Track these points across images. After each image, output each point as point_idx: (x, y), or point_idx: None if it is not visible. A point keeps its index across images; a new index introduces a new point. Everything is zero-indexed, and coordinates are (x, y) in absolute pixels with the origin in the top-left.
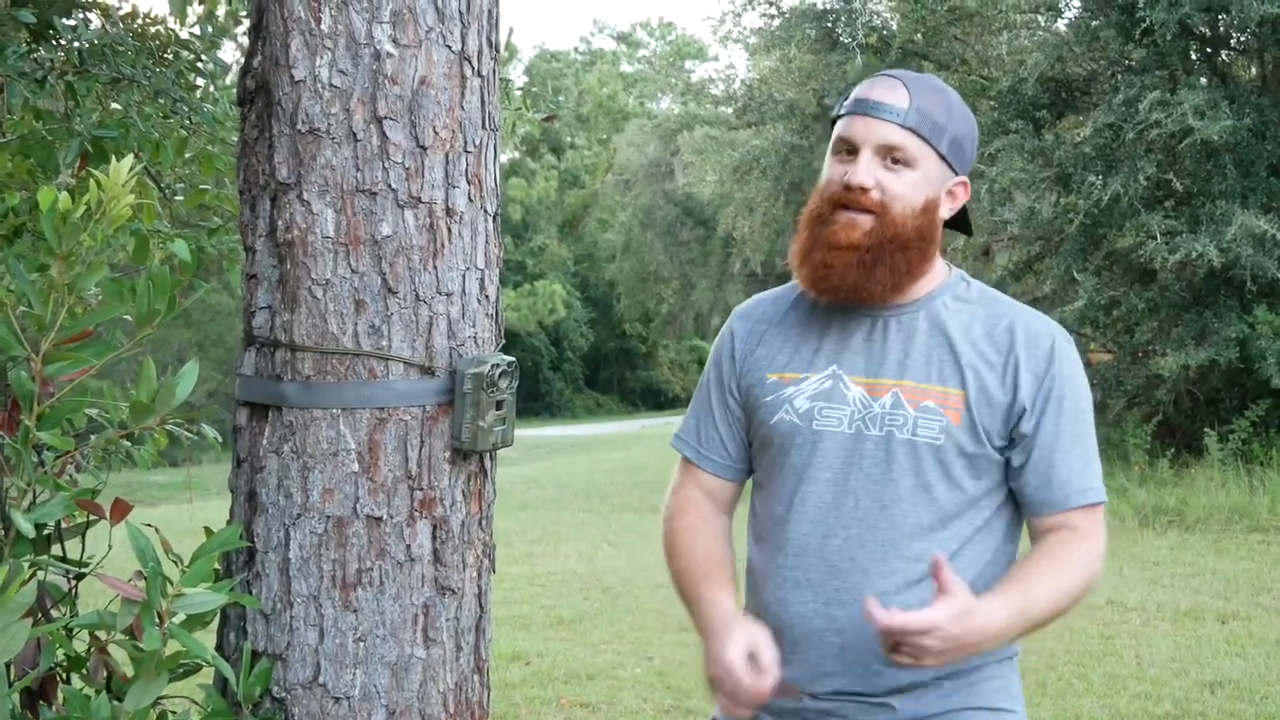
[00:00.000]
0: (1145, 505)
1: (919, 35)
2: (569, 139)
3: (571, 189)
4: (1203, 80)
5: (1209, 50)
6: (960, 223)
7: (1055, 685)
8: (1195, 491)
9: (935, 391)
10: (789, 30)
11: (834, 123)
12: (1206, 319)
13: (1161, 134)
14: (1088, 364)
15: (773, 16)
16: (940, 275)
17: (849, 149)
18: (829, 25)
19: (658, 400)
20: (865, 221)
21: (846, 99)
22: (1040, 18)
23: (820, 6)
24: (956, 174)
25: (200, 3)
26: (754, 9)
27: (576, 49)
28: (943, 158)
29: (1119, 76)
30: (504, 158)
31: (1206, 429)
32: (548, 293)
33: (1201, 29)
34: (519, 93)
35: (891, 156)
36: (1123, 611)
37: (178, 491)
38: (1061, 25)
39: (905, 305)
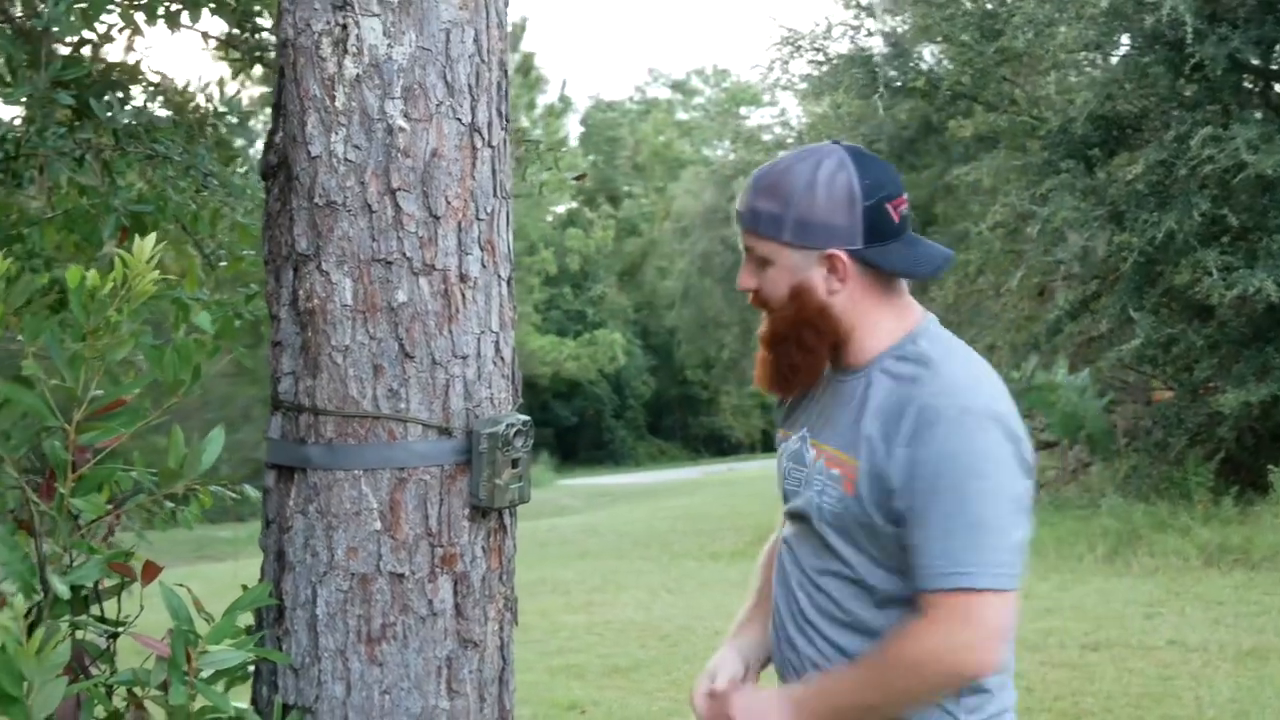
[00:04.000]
0: (1209, 544)
1: (966, 77)
2: (626, 188)
3: (629, 237)
4: (1256, 114)
5: (1262, 83)
6: (895, 264)
7: None
8: (1260, 529)
9: (841, 459)
10: (837, 76)
11: None
12: (1267, 354)
13: (1215, 169)
14: (1149, 402)
15: (821, 63)
16: (889, 336)
17: None
18: (875, 70)
19: (721, 446)
20: (768, 319)
21: None
22: (1089, 56)
23: (867, 52)
24: (820, 248)
25: (235, 79)
26: (801, 56)
27: (632, 98)
28: (790, 244)
29: (1170, 113)
30: (561, 208)
31: (1270, 465)
32: (607, 341)
33: (1253, 61)
34: (542, 149)
35: (753, 258)
36: (1184, 652)
37: (244, 545)
38: (1111, 62)
39: (855, 369)
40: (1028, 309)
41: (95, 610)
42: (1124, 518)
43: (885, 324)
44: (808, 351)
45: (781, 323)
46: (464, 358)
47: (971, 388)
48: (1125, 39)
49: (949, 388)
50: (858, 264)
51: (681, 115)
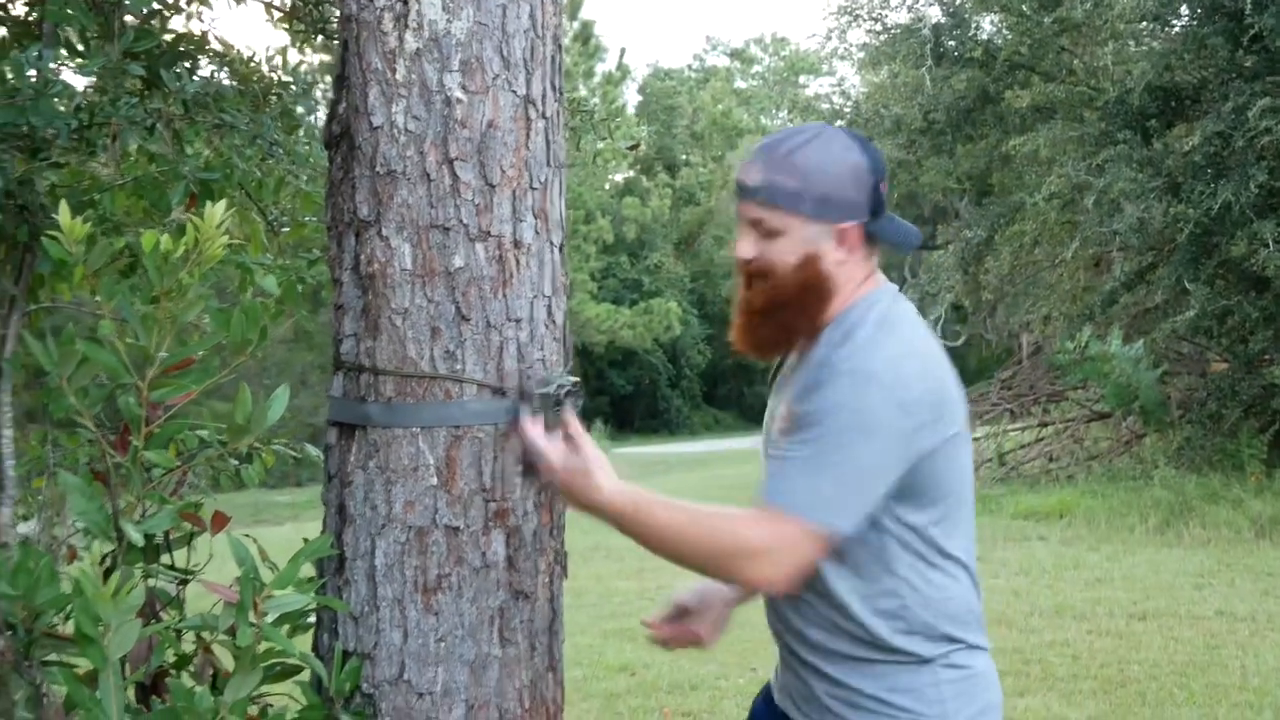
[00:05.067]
0: (1261, 516)
1: (1024, 47)
2: (683, 156)
3: (686, 206)
4: None
5: None
6: (893, 238)
7: (1155, 695)
8: None
9: (786, 417)
10: (895, 46)
11: None
12: None
13: (1273, 140)
14: (1203, 373)
15: (878, 33)
16: (844, 309)
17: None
18: (925, 41)
19: None
20: (760, 287)
21: None
22: (1148, 26)
23: (923, 22)
24: (836, 222)
25: (299, 50)
26: (860, 25)
27: (690, 66)
28: (809, 217)
29: (1229, 84)
30: (618, 177)
31: None
32: (663, 310)
33: None
34: (597, 119)
35: (759, 231)
36: (1231, 622)
37: (303, 510)
38: (1170, 33)
39: (811, 341)
40: (1083, 280)
41: (165, 559)
42: (1176, 489)
43: (860, 290)
44: (791, 321)
45: (779, 292)
46: (517, 321)
47: (872, 353)
48: (1184, 9)
49: (854, 351)
50: (862, 236)
51: (740, 84)
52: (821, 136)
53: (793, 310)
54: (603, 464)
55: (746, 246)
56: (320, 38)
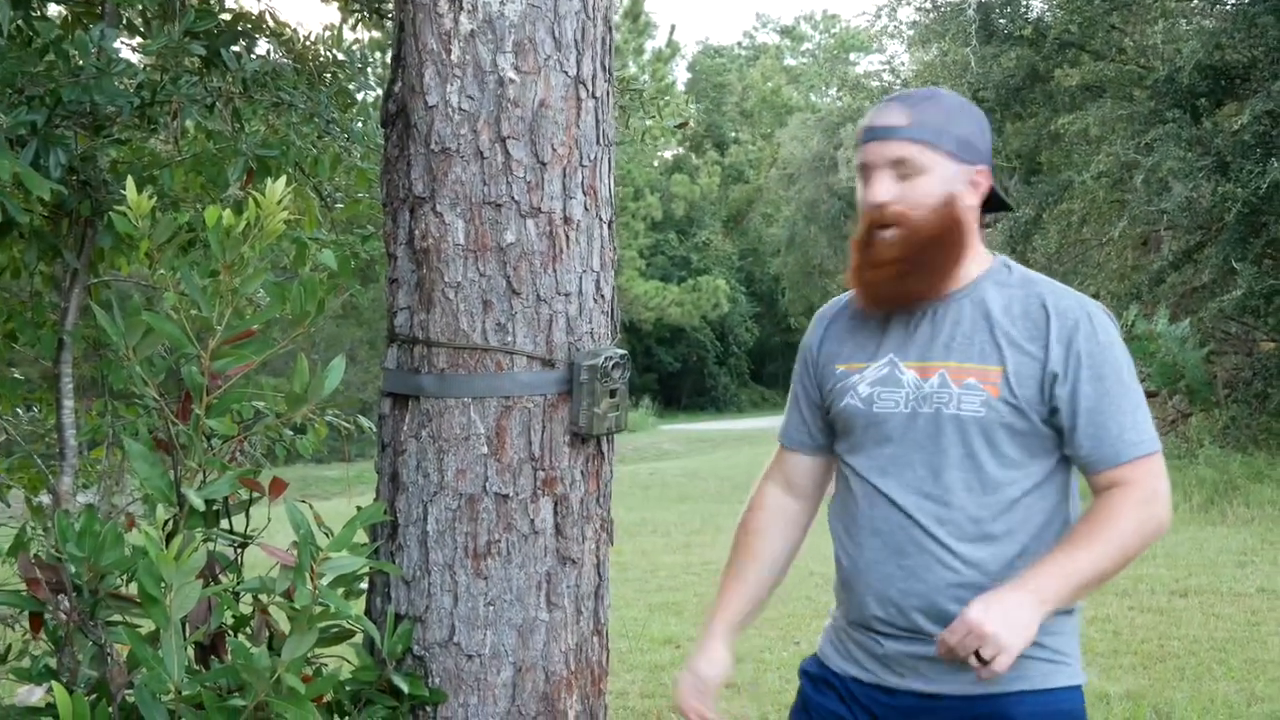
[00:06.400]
0: None
1: (1074, 25)
2: (732, 134)
3: (735, 184)
4: None
5: None
6: (998, 203)
7: (1193, 670)
8: None
9: (976, 370)
10: (944, 24)
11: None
12: None
13: None
14: (1249, 353)
15: (928, 10)
16: (984, 262)
17: (866, 173)
18: (971, 21)
19: None
20: (894, 235)
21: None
22: (1198, 5)
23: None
24: (974, 165)
25: (352, 29)
26: (909, 3)
27: (740, 44)
28: (952, 155)
29: (1279, 63)
30: (667, 154)
31: None
32: (711, 288)
33: None
34: (646, 97)
35: (900, 171)
36: (1273, 599)
37: (351, 484)
38: (1221, 11)
39: (953, 293)
40: (1131, 259)
41: (224, 524)
42: (1221, 468)
43: (984, 252)
44: (938, 265)
45: (919, 233)
46: (567, 295)
47: (1077, 294)
48: None
49: (1070, 291)
50: (989, 186)
51: (789, 61)
52: (947, 91)
53: (933, 254)
54: (1002, 598)
55: (884, 189)
56: (371, 15)
